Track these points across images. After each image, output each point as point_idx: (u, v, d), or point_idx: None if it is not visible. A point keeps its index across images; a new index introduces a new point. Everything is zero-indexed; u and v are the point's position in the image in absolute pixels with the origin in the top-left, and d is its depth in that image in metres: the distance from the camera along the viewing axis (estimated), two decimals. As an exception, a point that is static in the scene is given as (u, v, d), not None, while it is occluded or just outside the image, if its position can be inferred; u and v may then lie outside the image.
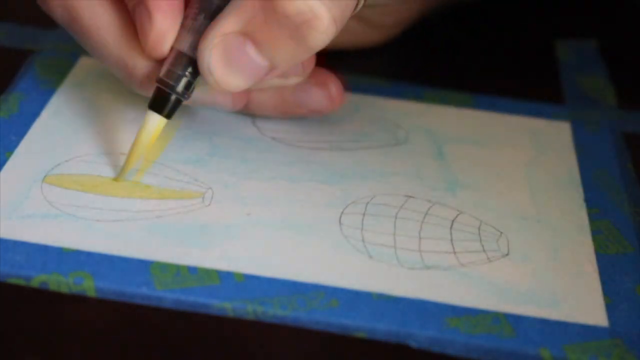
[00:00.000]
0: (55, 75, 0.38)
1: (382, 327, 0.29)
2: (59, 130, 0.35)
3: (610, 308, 0.30)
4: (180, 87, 0.31)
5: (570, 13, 0.46)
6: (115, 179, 0.33)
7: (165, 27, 0.31)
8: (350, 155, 0.35)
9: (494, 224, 0.33)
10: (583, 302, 0.30)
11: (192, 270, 0.30)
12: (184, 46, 0.31)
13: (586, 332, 0.29)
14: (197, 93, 0.32)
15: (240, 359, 0.28)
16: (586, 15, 0.46)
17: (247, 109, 0.35)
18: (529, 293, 0.30)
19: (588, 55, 0.43)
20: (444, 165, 0.35)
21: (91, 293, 0.29)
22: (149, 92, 0.32)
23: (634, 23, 0.46)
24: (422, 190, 0.34)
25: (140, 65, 0.32)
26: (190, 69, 0.31)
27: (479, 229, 0.32)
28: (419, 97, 0.39)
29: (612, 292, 0.30)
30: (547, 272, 0.31)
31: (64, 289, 0.29)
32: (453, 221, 0.33)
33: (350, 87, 0.39)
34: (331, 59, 0.40)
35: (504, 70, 0.42)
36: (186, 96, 0.32)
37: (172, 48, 0.31)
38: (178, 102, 0.32)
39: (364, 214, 0.33)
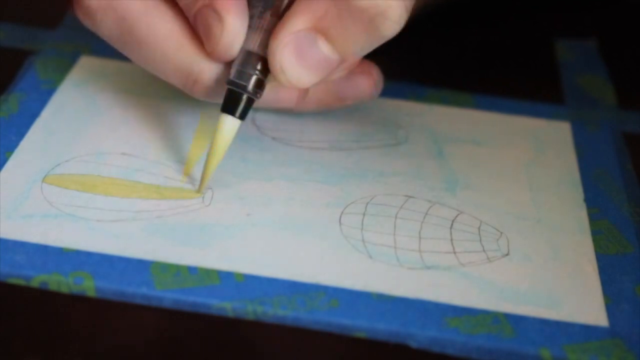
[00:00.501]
0: (55, 75, 0.38)
1: (382, 327, 0.29)
2: (59, 130, 0.35)
3: (610, 308, 0.30)
4: (251, 86, 0.31)
5: (570, 13, 0.46)
6: (197, 192, 0.32)
7: (236, 29, 0.30)
8: (350, 155, 0.35)
9: (494, 224, 0.33)
10: (583, 302, 0.30)
11: (192, 270, 0.30)
12: (252, 45, 0.31)
13: (586, 332, 0.29)
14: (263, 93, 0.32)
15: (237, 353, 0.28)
16: (586, 15, 0.46)
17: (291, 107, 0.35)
18: (529, 293, 0.30)
19: (588, 55, 0.43)
20: (444, 165, 0.35)
21: (91, 293, 0.29)
22: (216, 98, 0.32)
23: (634, 23, 0.46)
24: (422, 190, 0.34)
25: (207, 70, 0.32)
26: (259, 67, 0.31)
27: (479, 229, 0.32)
28: (419, 97, 0.39)
29: (612, 292, 0.30)
30: (547, 272, 0.31)
31: (64, 289, 0.29)
32: (453, 221, 0.33)
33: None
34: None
35: (504, 70, 0.42)
36: (258, 95, 0.31)
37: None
38: (250, 102, 0.31)
39: (364, 214, 0.33)
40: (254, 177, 0.34)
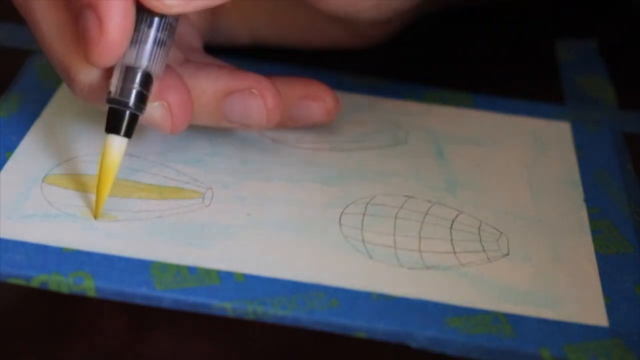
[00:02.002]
0: (55, 76, 0.37)
1: (382, 327, 0.29)
2: (59, 130, 0.35)
3: (610, 308, 0.30)
4: (132, 102, 0.30)
5: (570, 13, 0.46)
6: (94, 216, 0.31)
7: (116, 40, 0.29)
8: (350, 156, 0.35)
9: (494, 224, 0.33)
10: (583, 302, 0.30)
11: (192, 270, 0.30)
12: (131, 60, 0.30)
13: (586, 332, 0.29)
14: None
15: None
16: (586, 15, 0.46)
17: None
18: (529, 293, 0.30)
19: (588, 55, 0.43)
20: (444, 165, 0.35)
21: (91, 293, 0.29)
22: (93, 101, 0.31)
23: (634, 23, 0.46)
24: (422, 190, 0.34)
25: (83, 71, 0.31)
26: (139, 80, 0.30)
27: (479, 229, 0.32)
28: (419, 97, 0.39)
29: (612, 292, 0.30)
30: (547, 272, 0.31)
31: (64, 289, 0.29)
32: (453, 221, 0.33)
33: (350, 87, 0.39)
34: (331, 59, 0.40)
35: (504, 70, 0.42)
36: (142, 110, 0.30)
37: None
38: (135, 118, 0.30)
39: (364, 214, 0.33)
40: (254, 177, 0.34)
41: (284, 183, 0.34)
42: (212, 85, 0.32)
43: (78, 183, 0.33)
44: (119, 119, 0.30)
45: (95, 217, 0.31)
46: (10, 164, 0.33)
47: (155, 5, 0.29)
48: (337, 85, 0.38)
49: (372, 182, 0.34)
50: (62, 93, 0.37)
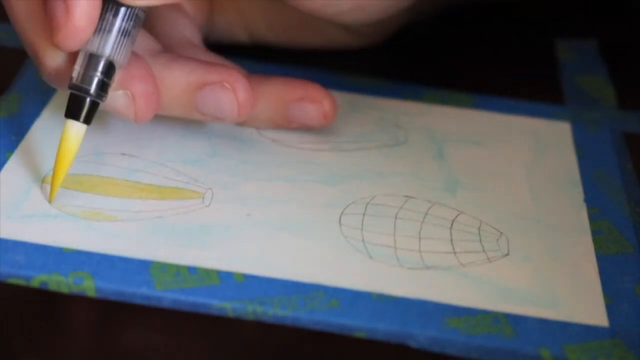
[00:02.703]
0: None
1: (382, 327, 0.29)
2: (59, 130, 0.35)
3: (610, 308, 0.30)
4: (93, 89, 0.30)
5: (570, 13, 0.46)
6: (49, 201, 0.32)
7: (81, 25, 0.30)
8: (350, 156, 0.35)
9: (494, 224, 0.33)
10: (583, 302, 0.30)
11: (192, 270, 0.30)
12: (94, 47, 0.30)
13: (586, 332, 0.29)
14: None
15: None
16: (586, 15, 0.46)
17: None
18: (529, 293, 0.30)
19: (588, 55, 0.43)
20: (444, 165, 0.35)
21: (91, 293, 0.29)
22: (54, 85, 0.32)
23: (634, 23, 0.46)
24: (422, 190, 0.34)
25: (50, 55, 0.31)
26: (101, 69, 0.30)
27: (479, 229, 0.32)
28: (419, 97, 0.39)
29: (612, 292, 0.30)
30: (547, 272, 0.31)
31: (64, 289, 0.29)
32: (453, 221, 0.33)
33: (350, 87, 0.39)
34: (331, 59, 0.40)
35: (504, 70, 0.42)
36: (103, 98, 0.31)
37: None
38: (95, 105, 0.31)
39: (364, 214, 0.33)
40: (254, 177, 0.34)
41: (284, 183, 0.34)
42: (185, 77, 0.33)
43: (78, 183, 0.33)
44: (79, 105, 0.31)
45: (50, 201, 0.31)
46: (10, 164, 0.33)
47: None
48: (337, 85, 0.38)
49: (372, 182, 0.34)
50: (62, 93, 0.37)
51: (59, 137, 0.33)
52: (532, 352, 0.28)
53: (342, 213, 0.33)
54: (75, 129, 0.31)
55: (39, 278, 0.29)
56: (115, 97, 0.31)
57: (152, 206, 0.32)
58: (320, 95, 0.35)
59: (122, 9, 0.31)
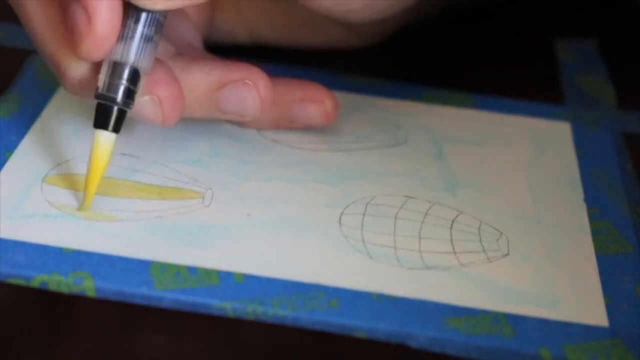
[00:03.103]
0: (55, 76, 0.38)
1: (382, 327, 0.29)
2: (59, 130, 0.35)
3: (610, 308, 0.30)
4: (120, 97, 0.30)
5: (570, 13, 0.46)
6: (80, 209, 0.32)
7: (104, 33, 0.29)
8: (350, 156, 0.35)
9: (494, 224, 0.33)
10: (583, 302, 0.30)
11: (192, 270, 0.30)
12: (119, 55, 0.30)
13: (586, 332, 0.29)
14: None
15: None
16: (586, 15, 0.46)
17: (241, 122, 0.35)
18: (529, 293, 0.30)
19: (588, 55, 0.43)
20: (444, 165, 0.35)
21: (91, 293, 0.29)
22: (83, 96, 0.31)
23: (634, 23, 0.46)
24: (422, 191, 0.34)
25: (73, 67, 0.31)
26: (127, 76, 0.30)
27: (479, 229, 0.32)
28: (419, 97, 0.39)
29: (612, 292, 0.30)
30: (547, 272, 0.31)
31: (64, 289, 0.29)
32: (453, 221, 0.33)
33: (350, 87, 0.39)
34: (331, 59, 0.40)
35: (504, 70, 0.42)
36: (130, 106, 0.31)
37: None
38: (122, 113, 0.31)
39: (364, 214, 0.33)
40: (254, 178, 0.34)
41: (284, 183, 0.34)
42: (205, 77, 0.32)
43: (78, 183, 0.33)
44: (106, 114, 0.31)
45: (83, 210, 0.31)
46: (10, 164, 0.33)
47: (140, 2, 0.29)
48: (337, 85, 0.38)
49: (372, 182, 0.34)
50: (62, 93, 0.37)
51: (59, 137, 0.33)
52: (532, 352, 0.28)
53: (342, 213, 0.33)
54: (105, 138, 0.31)
55: (39, 278, 0.29)
56: (142, 104, 0.31)
57: (152, 206, 0.32)
58: (321, 95, 0.35)
59: (143, 15, 0.30)
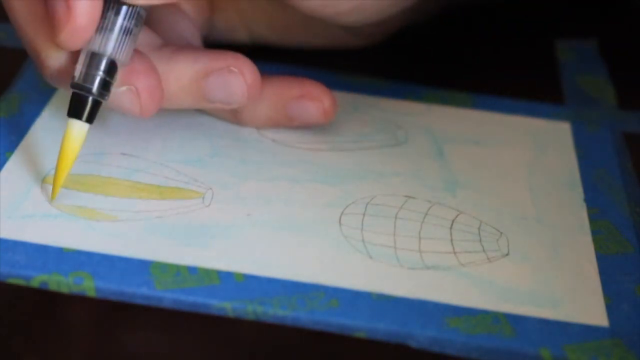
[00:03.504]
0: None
1: (382, 327, 0.29)
2: (59, 130, 0.35)
3: (610, 308, 0.30)
4: (95, 88, 0.30)
5: (570, 13, 0.46)
6: (51, 200, 0.32)
7: (83, 23, 0.30)
8: (350, 156, 0.35)
9: (494, 224, 0.33)
10: (583, 302, 0.30)
11: (192, 270, 0.30)
12: (97, 46, 0.30)
13: (586, 332, 0.29)
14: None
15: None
16: (586, 15, 0.46)
17: (239, 121, 0.36)
18: (529, 293, 0.30)
19: (588, 55, 0.43)
20: (444, 165, 0.35)
21: (91, 293, 0.29)
22: (58, 84, 0.32)
23: (634, 23, 0.46)
24: (422, 191, 0.34)
25: (53, 56, 0.31)
26: (103, 67, 0.30)
27: (479, 229, 0.32)
28: (419, 97, 0.39)
29: (612, 292, 0.30)
30: (547, 272, 0.31)
31: (64, 289, 0.29)
32: (453, 221, 0.33)
33: (350, 87, 0.39)
34: (331, 59, 0.40)
35: (504, 70, 0.42)
36: (105, 97, 0.31)
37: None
38: (97, 104, 0.31)
39: (364, 214, 0.33)
40: (254, 177, 0.34)
41: (284, 183, 0.34)
42: (190, 66, 0.33)
43: (78, 183, 0.33)
44: (81, 104, 0.31)
45: (51, 200, 0.31)
46: (10, 164, 0.33)
47: None
48: (337, 85, 0.38)
49: (372, 182, 0.34)
50: (62, 93, 0.37)
51: (59, 137, 0.33)
52: (532, 352, 0.28)
53: (342, 213, 0.33)
54: (78, 128, 0.31)
55: (39, 278, 0.29)
56: (120, 94, 0.31)
57: (152, 206, 0.32)
58: (319, 92, 0.35)
59: (124, 8, 0.31)
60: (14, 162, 0.33)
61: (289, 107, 0.35)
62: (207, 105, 0.34)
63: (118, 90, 0.31)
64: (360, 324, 0.29)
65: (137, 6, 0.31)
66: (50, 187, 0.32)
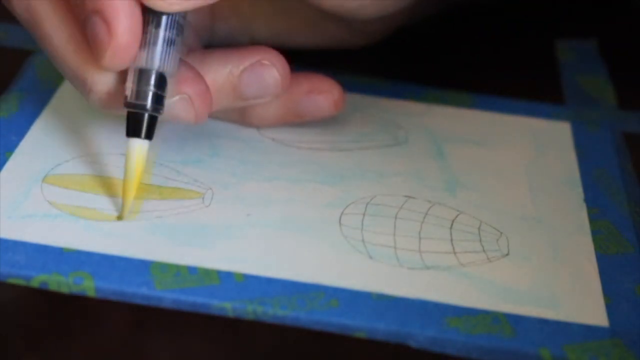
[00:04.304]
0: (55, 75, 0.38)
1: (382, 327, 0.29)
2: (59, 130, 0.35)
3: (610, 308, 0.30)
4: (149, 104, 0.30)
5: (570, 13, 0.46)
6: (119, 217, 0.31)
7: (125, 41, 0.29)
8: (350, 156, 0.35)
9: (494, 224, 0.33)
10: (583, 302, 0.30)
11: (192, 270, 0.30)
12: (142, 62, 0.30)
13: (586, 332, 0.29)
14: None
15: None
16: (586, 15, 0.46)
17: (248, 121, 0.36)
18: (529, 293, 0.30)
19: (588, 55, 0.43)
20: (444, 165, 0.35)
21: (91, 293, 0.29)
22: (112, 109, 0.31)
23: (634, 23, 0.46)
24: (422, 191, 0.34)
25: (100, 81, 0.31)
26: (153, 82, 0.30)
27: (479, 229, 0.32)
28: (419, 97, 0.39)
29: (612, 292, 0.30)
30: (547, 272, 0.31)
31: (64, 289, 0.29)
32: (453, 221, 0.33)
33: (350, 87, 0.39)
34: (331, 59, 0.40)
35: (504, 70, 0.42)
36: (160, 111, 0.31)
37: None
38: (154, 119, 0.31)
39: (364, 214, 0.33)
40: (253, 177, 0.34)
41: (284, 183, 0.34)
42: (222, 66, 0.33)
43: (78, 183, 0.33)
44: (138, 122, 0.31)
45: (121, 218, 0.31)
46: (10, 164, 0.33)
47: (155, 4, 0.30)
48: (337, 85, 0.38)
49: (372, 182, 0.34)
50: (62, 93, 0.37)
51: (59, 136, 0.33)
52: (532, 352, 0.28)
53: (342, 213, 0.33)
54: (139, 146, 0.31)
55: (39, 278, 0.29)
56: (173, 104, 0.31)
57: (152, 206, 0.32)
58: (327, 84, 0.35)
59: (164, 19, 0.30)
60: (14, 162, 0.33)
61: (300, 102, 0.35)
62: (241, 103, 0.33)
63: (170, 100, 0.31)
64: (360, 324, 0.29)
65: (175, 15, 0.30)
66: (51, 187, 0.32)
